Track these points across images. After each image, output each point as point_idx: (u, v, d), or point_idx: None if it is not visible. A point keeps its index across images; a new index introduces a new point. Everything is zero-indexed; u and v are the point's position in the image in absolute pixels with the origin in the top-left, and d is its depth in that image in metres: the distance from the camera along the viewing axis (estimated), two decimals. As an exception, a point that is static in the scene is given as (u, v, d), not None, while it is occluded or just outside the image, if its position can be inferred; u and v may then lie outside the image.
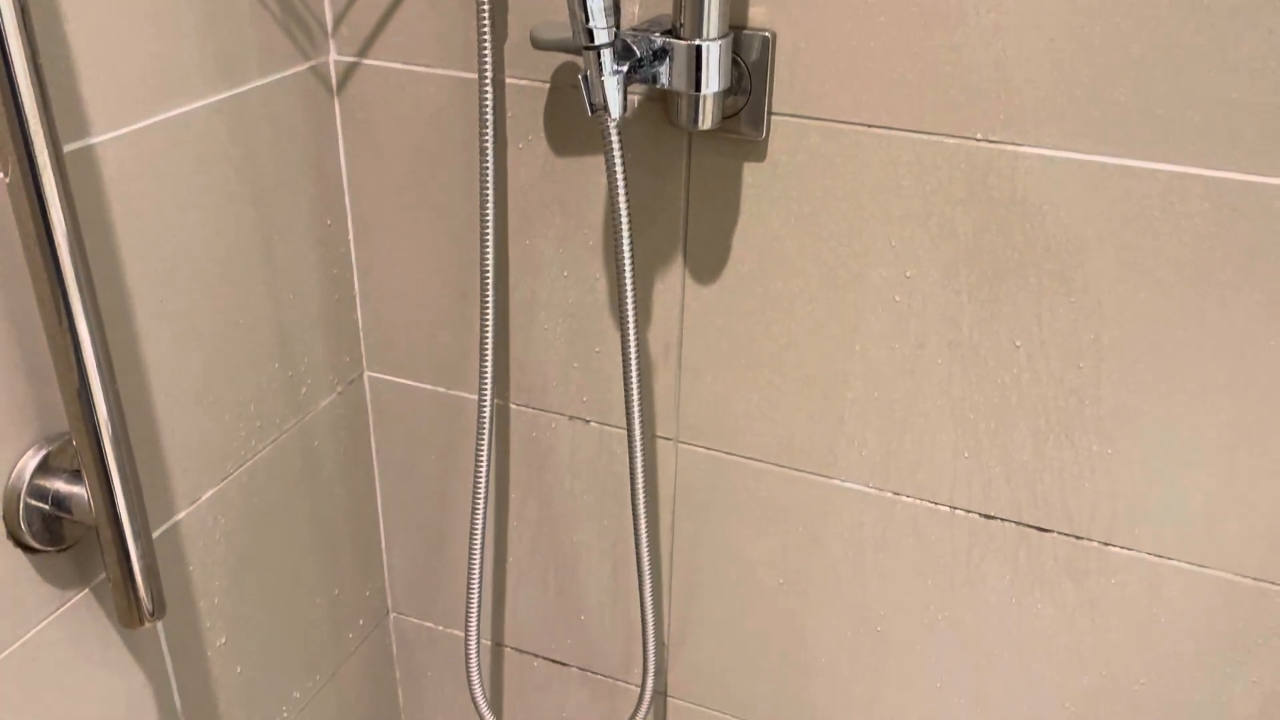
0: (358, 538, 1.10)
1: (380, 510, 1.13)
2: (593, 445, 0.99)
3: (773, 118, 0.79)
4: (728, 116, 0.79)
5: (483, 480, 0.95)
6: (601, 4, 0.69)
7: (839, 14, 0.75)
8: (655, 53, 0.74)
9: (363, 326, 1.03)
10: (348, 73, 0.91)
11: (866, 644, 0.96)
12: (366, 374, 1.05)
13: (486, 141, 0.84)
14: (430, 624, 1.17)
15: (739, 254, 0.85)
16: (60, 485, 0.71)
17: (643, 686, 0.99)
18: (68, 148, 0.69)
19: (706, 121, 0.76)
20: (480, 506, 0.95)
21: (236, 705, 0.96)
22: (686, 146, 0.83)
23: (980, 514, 0.87)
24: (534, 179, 0.89)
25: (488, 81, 0.82)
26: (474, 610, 0.99)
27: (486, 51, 0.81)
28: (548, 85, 0.85)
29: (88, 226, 0.72)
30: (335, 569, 1.07)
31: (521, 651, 1.14)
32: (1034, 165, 0.74)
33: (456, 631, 1.16)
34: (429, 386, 1.03)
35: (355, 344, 1.03)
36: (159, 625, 0.85)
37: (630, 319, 0.84)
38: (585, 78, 0.72)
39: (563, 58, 0.84)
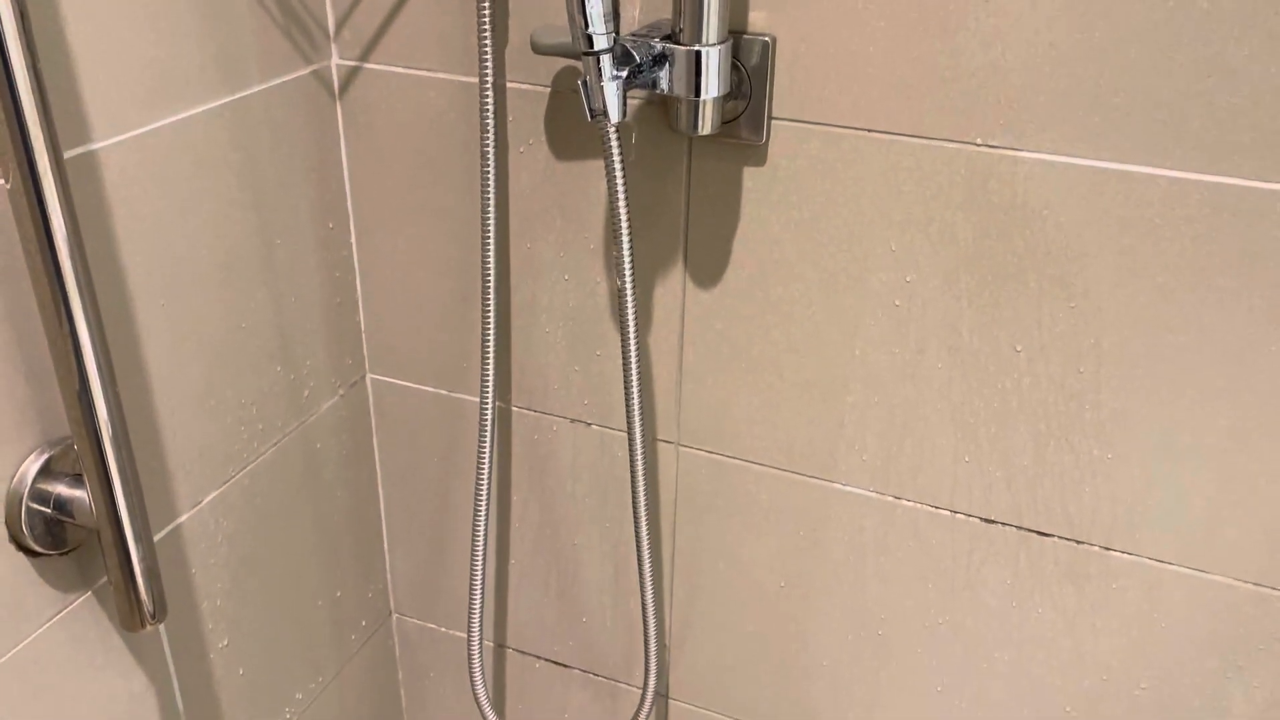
0: (360, 539, 1.10)
1: (382, 512, 1.13)
2: (594, 448, 0.99)
3: (773, 122, 0.79)
4: (728, 121, 0.79)
5: (484, 482, 0.95)
6: (601, 10, 0.69)
7: (838, 19, 0.75)
8: (655, 58, 0.74)
9: (365, 329, 1.03)
10: (350, 77, 0.92)
11: (867, 647, 0.96)
12: (369, 376, 1.06)
13: (488, 145, 0.85)
14: (433, 625, 1.18)
15: (739, 258, 0.85)
16: (62, 489, 0.71)
17: (644, 688, 1.00)
18: (69, 153, 0.69)
19: (706, 127, 0.76)
20: (482, 508, 0.96)
21: (239, 707, 0.97)
22: (687, 150, 0.83)
23: (981, 518, 0.87)
24: (535, 183, 0.89)
25: (488, 86, 0.82)
26: (476, 612, 0.99)
27: (487, 56, 0.81)
28: (549, 90, 0.85)
29: (89, 231, 0.72)
30: (337, 570, 1.08)
31: (523, 653, 1.14)
32: (1034, 170, 0.74)
33: (459, 633, 1.17)
34: (431, 389, 1.03)
35: (357, 346, 1.03)
36: (161, 628, 0.86)
37: (631, 323, 0.84)
38: (585, 83, 0.72)
39: (564, 62, 0.84)
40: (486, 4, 0.79)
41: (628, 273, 0.82)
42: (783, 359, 0.88)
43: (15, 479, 0.70)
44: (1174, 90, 0.69)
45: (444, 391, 1.03)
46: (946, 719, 0.96)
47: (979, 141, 0.75)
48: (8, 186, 0.62)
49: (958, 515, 0.87)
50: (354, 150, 0.95)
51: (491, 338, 0.91)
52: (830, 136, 0.78)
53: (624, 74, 0.72)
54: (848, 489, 0.90)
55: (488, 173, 0.86)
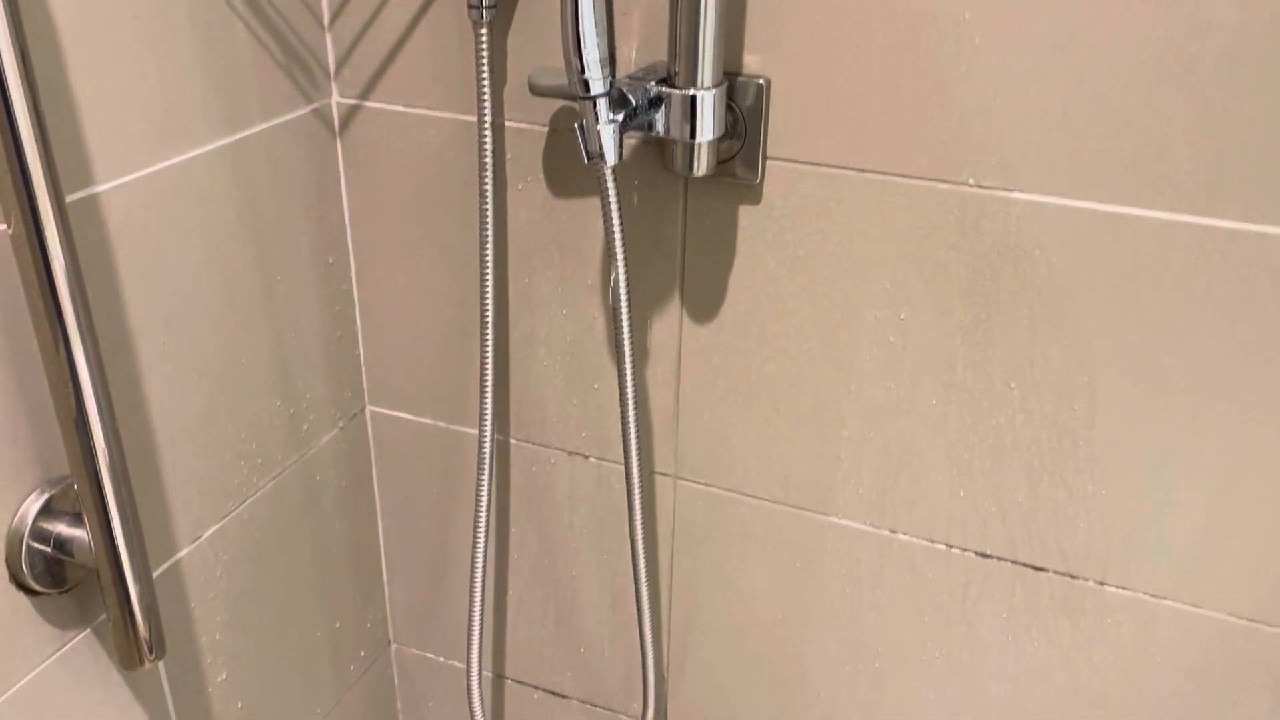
0: (359, 570, 1.11)
1: (381, 542, 1.13)
2: (592, 480, 1.00)
3: (768, 162, 0.80)
4: (723, 160, 0.80)
5: (483, 514, 0.95)
6: (597, 55, 0.70)
7: (831, 62, 0.75)
8: (650, 100, 0.75)
9: (365, 362, 1.04)
10: (350, 115, 0.93)
11: (864, 679, 0.97)
12: (368, 409, 1.06)
13: (486, 184, 0.85)
14: (431, 655, 1.18)
15: (735, 294, 0.86)
16: (62, 528, 0.71)
17: (642, 718, 1.00)
18: (71, 197, 0.70)
19: (702, 168, 0.77)
20: (481, 539, 0.96)
21: (237, 739, 0.97)
22: (683, 189, 0.84)
23: (976, 552, 0.87)
24: (533, 219, 0.90)
25: (487, 125, 0.83)
26: (475, 641, 0.99)
27: (486, 96, 0.82)
28: (546, 129, 0.86)
29: (90, 270, 0.73)
30: (336, 601, 1.08)
31: (522, 683, 1.15)
32: (1025, 211, 0.75)
33: (458, 663, 1.17)
34: (430, 421, 1.04)
35: (357, 379, 1.04)
36: (160, 664, 0.86)
37: (628, 357, 0.85)
38: (581, 126, 0.73)
39: (562, 101, 0.85)
40: (485, 45, 0.80)
41: (624, 308, 0.82)
42: (779, 393, 0.88)
43: (16, 518, 0.70)
44: (1160, 134, 0.70)
45: (443, 424, 1.04)
46: (943, 751, 0.96)
47: (971, 182, 0.75)
48: (10, 232, 0.63)
49: (953, 549, 0.88)
50: (354, 186, 0.96)
51: (490, 371, 0.91)
52: (824, 176, 0.79)
53: (620, 118, 0.73)
54: (844, 522, 0.91)
55: (486, 209, 0.87)
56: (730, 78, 0.77)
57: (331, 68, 0.92)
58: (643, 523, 0.92)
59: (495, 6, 0.80)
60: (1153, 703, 0.86)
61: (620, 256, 0.80)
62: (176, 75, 0.76)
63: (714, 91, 0.74)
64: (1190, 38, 0.67)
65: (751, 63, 0.77)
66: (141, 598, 0.71)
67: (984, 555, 0.87)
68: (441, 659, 1.18)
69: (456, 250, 0.95)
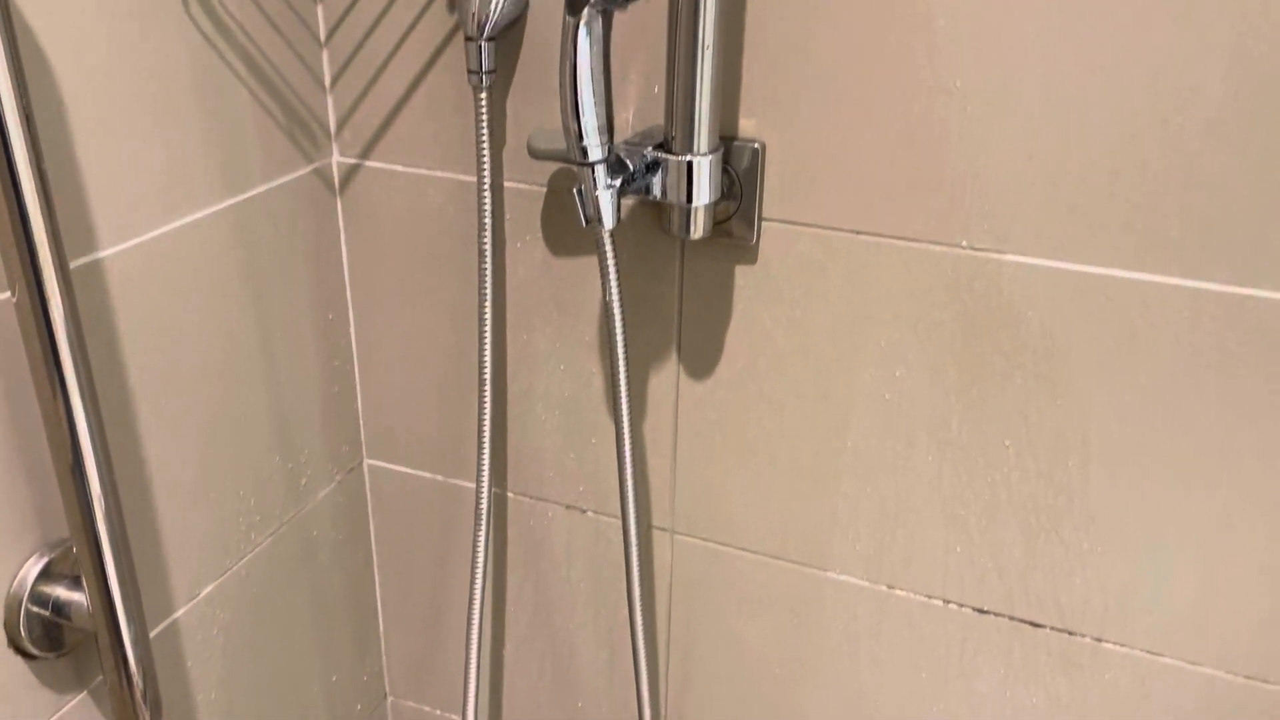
0: (355, 623, 1.11)
1: (378, 595, 1.13)
2: (589, 534, 1.00)
3: (764, 223, 0.81)
4: (719, 221, 0.81)
5: (480, 567, 0.96)
6: (595, 123, 0.71)
7: (826, 127, 0.77)
8: (648, 166, 0.76)
9: (363, 416, 1.04)
10: (350, 174, 0.94)
11: (862, 734, 0.97)
12: (366, 462, 1.07)
13: (485, 242, 0.86)
14: (428, 708, 1.17)
15: (732, 351, 0.87)
16: (61, 592, 0.71)
17: (639, 775, 0.99)
18: (75, 262, 0.71)
19: (698, 231, 0.78)
20: (478, 593, 0.96)
21: (233, 797, 0.96)
22: (680, 249, 0.85)
23: (973, 608, 0.87)
24: (531, 276, 0.91)
25: (486, 186, 0.84)
26: (471, 695, 0.99)
27: (485, 157, 0.83)
28: (545, 189, 0.87)
29: (91, 332, 0.73)
30: (333, 654, 1.08)
31: (519, 736, 1.14)
32: (1017, 273, 0.76)
33: (454, 716, 1.16)
34: (428, 475, 1.04)
35: (355, 433, 1.04)
36: (156, 723, 0.85)
37: (625, 414, 0.85)
38: (580, 191, 0.74)
39: (560, 162, 0.87)
40: (484, 110, 0.81)
41: (621, 365, 0.83)
42: (776, 449, 0.89)
43: (15, 582, 0.70)
44: (1150, 200, 0.71)
45: (440, 477, 1.04)
46: (942, 807, 0.96)
47: (964, 244, 0.76)
48: (14, 300, 0.63)
49: (950, 605, 0.88)
50: (354, 244, 0.97)
51: (488, 425, 0.92)
52: (819, 237, 0.80)
53: (618, 183, 0.74)
54: (841, 577, 0.91)
55: (485, 268, 0.87)
56: (726, 142, 0.78)
57: (332, 128, 0.93)
58: (640, 577, 0.92)
59: (494, 71, 0.81)
60: (1151, 759, 0.86)
61: (618, 318, 0.81)
62: (179, 139, 0.77)
63: (710, 157, 0.75)
64: (1178, 106, 0.68)
65: (747, 126, 0.79)
66: (140, 661, 0.70)
67: (981, 611, 0.87)
68: (438, 712, 1.17)
69: (455, 306, 0.95)
